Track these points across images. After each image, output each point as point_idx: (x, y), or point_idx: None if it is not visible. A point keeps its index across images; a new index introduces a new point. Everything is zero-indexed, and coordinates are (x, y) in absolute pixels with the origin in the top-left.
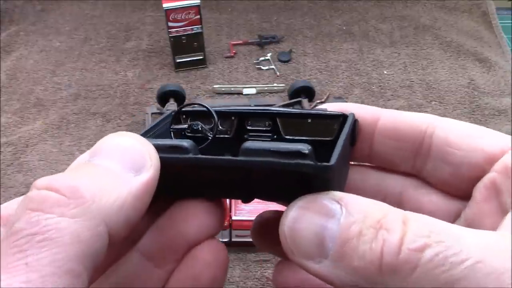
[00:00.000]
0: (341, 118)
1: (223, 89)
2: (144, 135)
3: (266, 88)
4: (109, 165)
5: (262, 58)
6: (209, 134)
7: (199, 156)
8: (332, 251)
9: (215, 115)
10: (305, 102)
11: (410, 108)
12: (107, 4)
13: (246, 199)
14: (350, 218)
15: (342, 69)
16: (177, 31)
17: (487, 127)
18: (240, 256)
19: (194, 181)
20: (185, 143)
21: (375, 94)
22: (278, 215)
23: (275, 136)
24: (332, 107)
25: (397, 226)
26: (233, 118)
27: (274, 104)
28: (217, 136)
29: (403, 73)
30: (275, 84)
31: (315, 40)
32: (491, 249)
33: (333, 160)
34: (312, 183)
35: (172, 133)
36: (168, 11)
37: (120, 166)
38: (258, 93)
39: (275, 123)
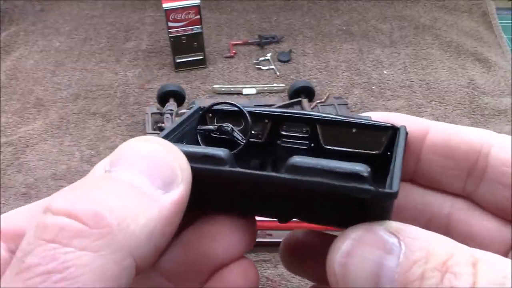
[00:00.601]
0: (391, 130)
1: (223, 89)
2: (168, 137)
3: (266, 88)
4: (133, 180)
5: (262, 58)
6: (241, 139)
7: (238, 170)
8: None
9: (248, 117)
10: (305, 102)
11: (410, 108)
12: (107, 4)
13: (284, 220)
14: (411, 256)
15: (342, 69)
16: (177, 31)
17: (487, 127)
18: None
19: (227, 195)
20: (221, 152)
21: (375, 94)
22: (311, 237)
23: (312, 145)
24: (377, 116)
25: (466, 270)
26: (266, 121)
27: (274, 104)
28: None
29: (403, 73)
30: (275, 84)
31: (315, 40)
32: None
33: (395, 186)
34: (367, 209)
35: (198, 134)
36: (168, 11)
37: (147, 182)
38: (258, 93)
39: (314, 130)
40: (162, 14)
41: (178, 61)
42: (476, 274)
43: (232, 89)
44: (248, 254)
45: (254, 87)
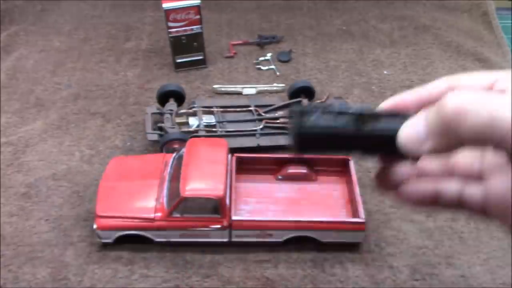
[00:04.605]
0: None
1: (223, 89)
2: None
3: (266, 88)
4: None
5: (262, 58)
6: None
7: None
8: None
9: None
10: (305, 102)
11: None
12: (107, 4)
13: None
14: None
15: (342, 69)
16: (177, 31)
17: None
18: (240, 256)
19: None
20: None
21: (375, 94)
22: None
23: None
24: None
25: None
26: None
27: (274, 104)
28: None
29: (403, 73)
30: (275, 84)
31: (315, 40)
32: None
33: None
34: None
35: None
36: (168, 11)
37: None
38: (258, 93)
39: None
40: (162, 14)
41: (178, 61)
42: None
43: (232, 89)
44: (248, 254)
45: (254, 87)
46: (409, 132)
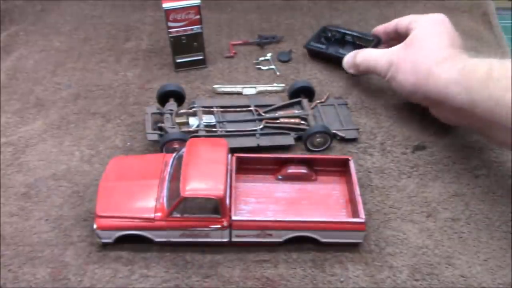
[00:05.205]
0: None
1: (223, 89)
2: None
3: (266, 88)
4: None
5: (262, 58)
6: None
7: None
8: None
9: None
10: (305, 102)
11: (410, 107)
12: (107, 4)
13: None
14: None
15: (342, 69)
16: (177, 31)
17: None
18: (240, 256)
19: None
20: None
21: (375, 94)
22: None
23: None
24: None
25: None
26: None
27: (274, 104)
28: None
29: None
30: (275, 84)
31: None
32: None
33: None
34: None
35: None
36: (168, 11)
37: None
38: (258, 93)
39: None
40: (162, 14)
41: (178, 61)
42: None
43: (232, 89)
44: (248, 254)
45: (254, 87)
46: (344, 61)
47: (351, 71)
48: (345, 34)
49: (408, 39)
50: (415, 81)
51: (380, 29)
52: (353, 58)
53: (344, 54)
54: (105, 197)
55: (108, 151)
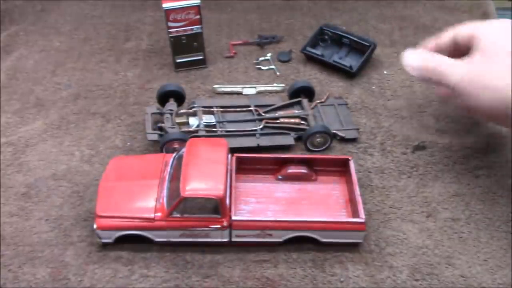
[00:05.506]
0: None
1: (223, 89)
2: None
3: (266, 88)
4: None
5: (262, 58)
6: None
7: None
8: None
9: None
10: (305, 102)
11: (410, 108)
12: (107, 4)
13: None
14: None
15: (342, 69)
16: (177, 31)
17: (487, 126)
18: (240, 256)
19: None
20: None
21: (375, 94)
22: None
23: None
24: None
25: None
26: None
27: (274, 104)
28: None
29: (403, 73)
30: (275, 84)
31: None
32: None
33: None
34: None
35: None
36: (168, 11)
37: None
38: (258, 93)
39: None
40: (162, 14)
41: (178, 61)
42: None
43: (232, 89)
44: (248, 254)
45: (254, 87)
46: (405, 61)
47: (413, 73)
48: (342, 36)
49: (480, 51)
50: (499, 102)
51: (431, 43)
52: (418, 61)
53: (339, 62)
54: (105, 197)
55: (108, 151)
